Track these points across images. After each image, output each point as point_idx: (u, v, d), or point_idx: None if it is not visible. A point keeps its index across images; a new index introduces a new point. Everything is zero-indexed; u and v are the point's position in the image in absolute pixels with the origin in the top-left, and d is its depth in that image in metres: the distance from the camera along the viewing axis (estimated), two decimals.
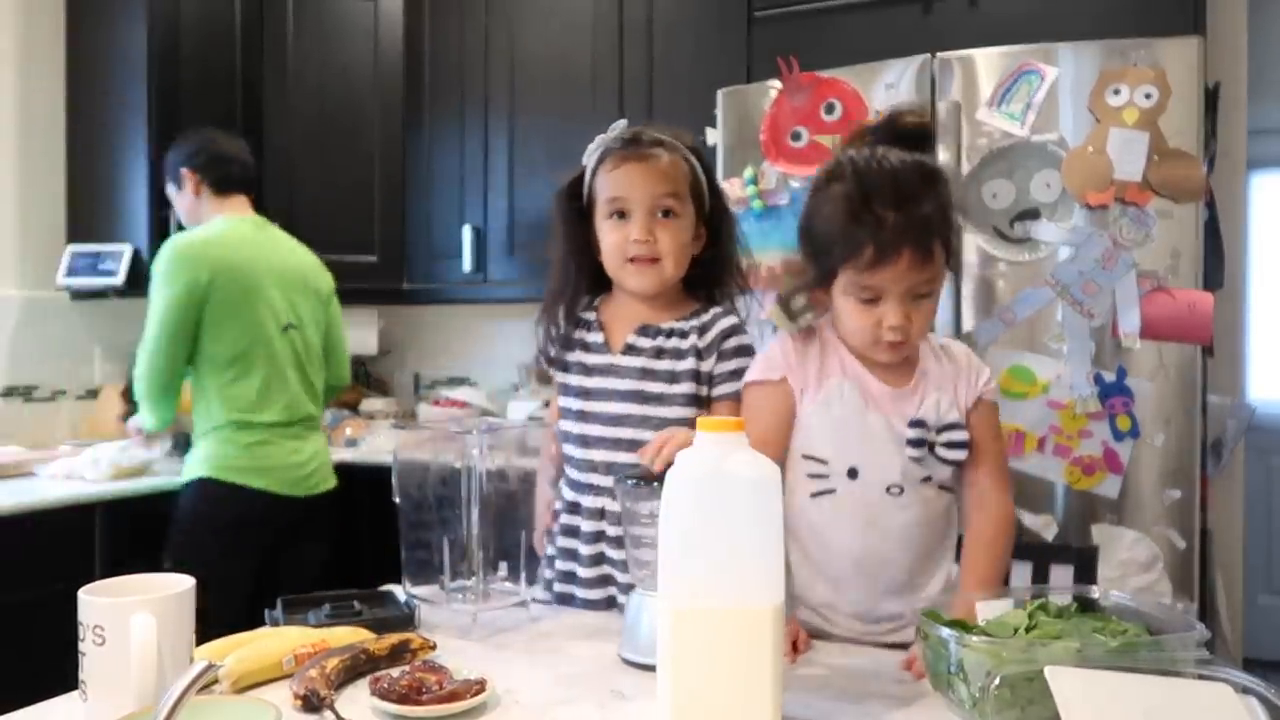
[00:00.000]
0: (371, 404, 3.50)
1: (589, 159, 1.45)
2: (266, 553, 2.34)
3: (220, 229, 2.37)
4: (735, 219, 1.51)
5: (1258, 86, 2.66)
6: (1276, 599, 3.85)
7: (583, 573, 1.43)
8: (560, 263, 1.49)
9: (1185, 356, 1.89)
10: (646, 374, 1.41)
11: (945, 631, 0.90)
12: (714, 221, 1.46)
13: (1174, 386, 1.89)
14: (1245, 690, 0.81)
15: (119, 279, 2.82)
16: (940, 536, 1.28)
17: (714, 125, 2.34)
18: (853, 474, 1.23)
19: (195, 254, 2.28)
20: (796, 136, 2.18)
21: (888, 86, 2.11)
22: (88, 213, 3.01)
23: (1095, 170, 1.91)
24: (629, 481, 1.12)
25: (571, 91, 3.00)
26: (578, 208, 1.46)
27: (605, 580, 1.42)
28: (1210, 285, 1.93)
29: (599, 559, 1.42)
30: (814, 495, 1.24)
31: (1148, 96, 1.89)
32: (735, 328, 1.43)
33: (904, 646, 1.16)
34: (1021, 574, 1.54)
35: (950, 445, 1.23)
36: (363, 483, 2.62)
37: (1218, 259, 2.10)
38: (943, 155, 2.02)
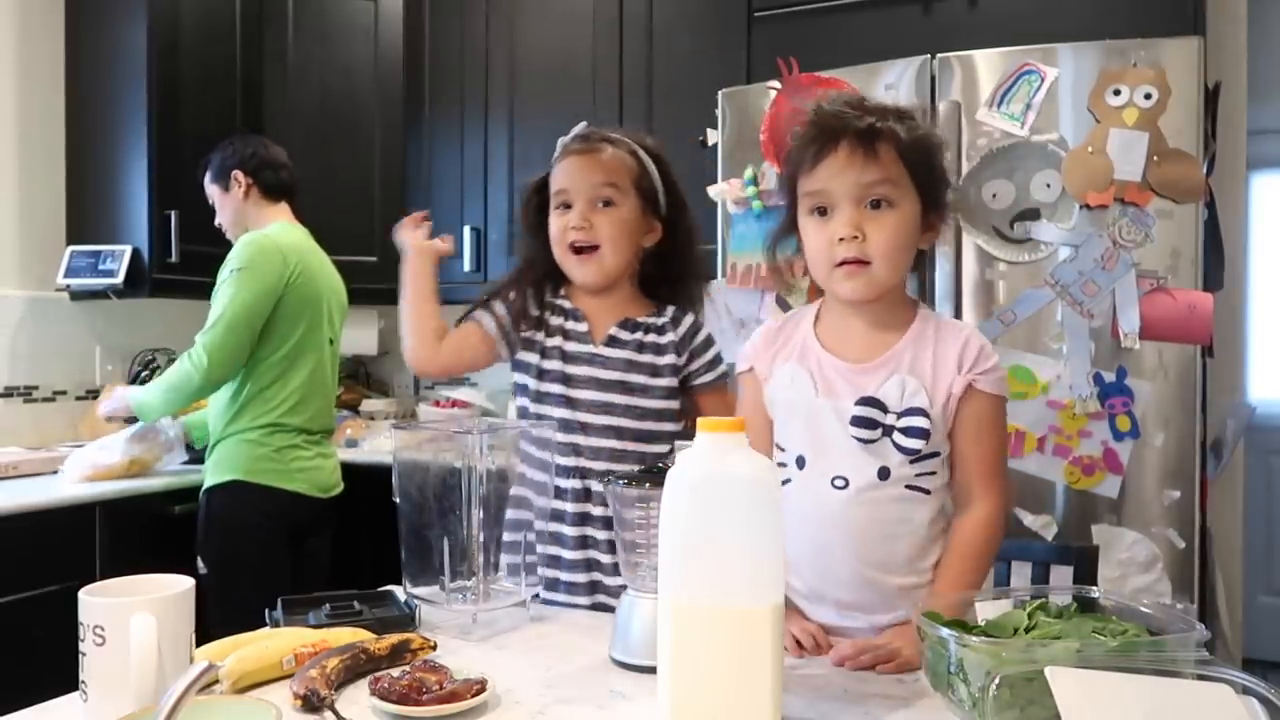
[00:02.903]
0: (371, 404, 3.50)
1: (554, 160, 1.52)
2: (299, 549, 2.38)
3: (289, 233, 2.42)
4: (696, 224, 1.55)
5: (1258, 86, 2.66)
6: (1276, 599, 3.85)
7: (568, 555, 1.44)
8: (525, 258, 1.56)
9: (1185, 356, 1.89)
10: (631, 366, 1.46)
11: (945, 631, 0.90)
12: (671, 221, 1.50)
13: (1174, 386, 1.89)
14: (1245, 690, 0.81)
15: (119, 279, 2.82)
16: (908, 546, 1.17)
17: (714, 125, 2.34)
18: (800, 463, 1.20)
19: (281, 252, 2.33)
20: (797, 137, 2.18)
21: (888, 87, 2.11)
22: (88, 213, 3.01)
23: (1095, 170, 1.91)
24: (619, 482, 1.12)
25: (572, 92, 3.00)
26: (539, 204, 1.53)
27: (590, 564, 1.44)
28: (1210, 286, 1.93)
29: (584, 542, 1.44)
30: (783, 483, 1.22)
31: (1148, 97, 1.89)
32: (699, 322, 1.52)
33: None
34: (1021, 574, 1.54)
35: (907, 432, 1.14)
36: (363, 483, 2.62)
37: (1218, 259, 2.10)
38: None
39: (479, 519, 1.24)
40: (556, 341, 1.49)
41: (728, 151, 2.30)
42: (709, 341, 1.51)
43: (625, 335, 1.48)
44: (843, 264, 1.15)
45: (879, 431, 1.15)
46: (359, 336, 3.46)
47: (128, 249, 2.85)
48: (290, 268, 2.33)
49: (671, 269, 1.52)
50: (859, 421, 1.15)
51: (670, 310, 1.51)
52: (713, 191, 2.30)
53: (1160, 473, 1.89)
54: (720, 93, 2.33)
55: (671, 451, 1.46)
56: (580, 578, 1.43)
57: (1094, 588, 1.07)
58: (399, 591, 1.28)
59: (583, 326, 1.49)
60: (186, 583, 0.92)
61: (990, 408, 1.17)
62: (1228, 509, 2.55)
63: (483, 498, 1.23)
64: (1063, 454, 1.93)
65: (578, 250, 1.46)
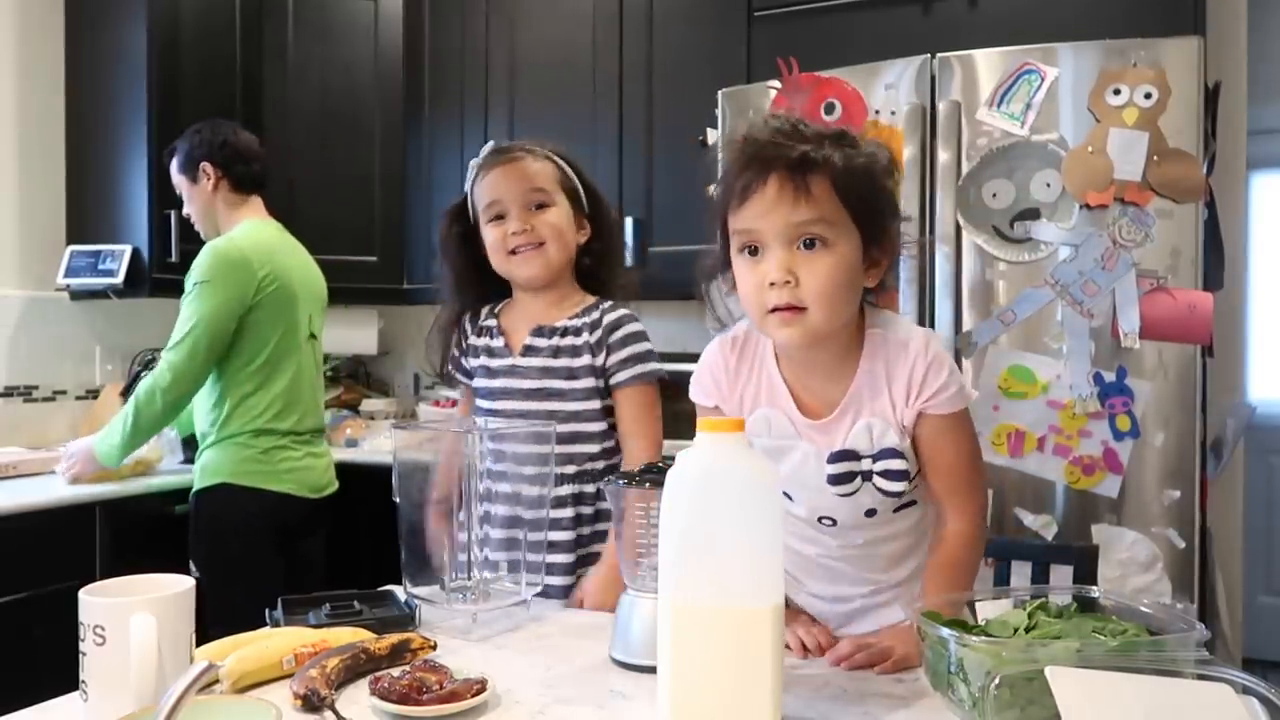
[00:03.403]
0: (371, 404, 3.50)
1: (468, 181, 1.58)
2: (292, 550, 2.35)
3: (258, 234, 2.35)
4: (616, 218, 1.64)
5: (1258, 86, 2.66)
6: (1276, 599, 3.85)
7: (494, 557, 1.43)
8: (452, 285, 1.62)
9: (1185, 356, 1.89)
10: (547, 372, 1.52)
11: (945, 631, 0.90)
12: (596, 218, 1.59)
13: (1174, 386, 1.89)
14: (1245, 690, 0.81)
15: (119, 279, 2.82)
16: (902, 548, 1.22)
17: (714, 125, 2.34)
18: (788, 496, 1.19)
19: (245, 260, 2.25)
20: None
21: (888, 87, 2.11)
22: (88, 213, 3.01)
23: (1095, 170, 1.91)
24: (619, 482, 1.12)
25: (572, 92, 3.00)
26: (462, 231, 1.59)
27: (516, 565, 1.42)
28: (1210, 285, 1.93)
29: (512, 543, 1.43)
30: None
31: (1148, 96, 1.89)
32: (621, 318, 1.54)
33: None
34: (1021, 574, 1.54)
35: (887, 475, 1.12)
36: (362, 483, 2.62)
37: (1218, 259, 2.10)
38: (943, 155, 2.02)
39: (479, 519, 1.24)
40: (480, 361, 1.58)
41: None
42: (630, 338, 1.53)
43: (540, 342, 1.54)
44: (775, 310, 1.06)
45: (858, 480, 1.14)
46: (359, 336, 3.46)
47: (128, 249, 2.85)
48: (260, 276, 2.26)
49: (603, 262, 1.60)
50: (836, 479, 1.14)
51: (600, 309, 1.54)
52: (713, 191, 2.29)
53: (1160, 473, 1.89)
54: (720, 92, 2.33)
55: (602, 453, 1.53)
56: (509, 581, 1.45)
57: (1094, 588, 1.07)
58: (399, 591, 1.28)
59: (500, 341, 1.57)
60: (186, 583, 0.92)
61: (946, 425, 1.13)
62: (1228, 509, 2.55)
63: (482, 498, 1.23)
64: (1063, 454, 1.93)
65: (517, 251, 1.51)
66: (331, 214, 3.21)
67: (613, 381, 1.53)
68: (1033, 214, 1.96)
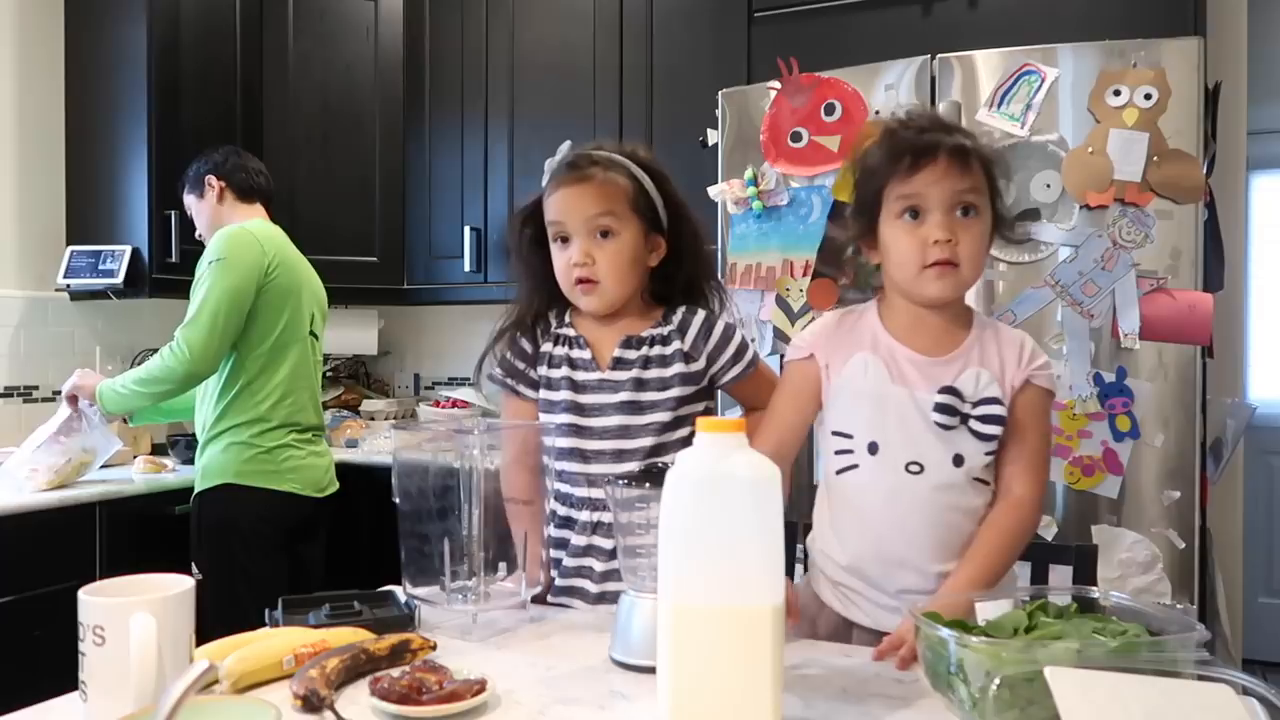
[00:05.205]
0: (371, 404, 3.50)
1: (545, 182, 1.47)
2: (294, 550, 2.36)
3: (265, 226, 2.42)
4: (700, 227, 1.49)
5: (1258, 86, 2.66)
6: (1276, 599, 3.85)
7: (560, 582, 1.43)
8: (520, 286, 1.52)
9: (1185, 357, 1.89)
10: (639, 385, 1.42)
11: (945, 631, 0.90)
12: (674, 232, 1.45)
13: (1174, 387, 1.89)
14: (1245, 690, 0.81)
15: (119, 279, 2.82)
16: (968, 534, 1.23)
17: (714, 125, 2.35)
18: (873, 449, 1.25)
19: (258, 241, 2.32)
20: (797, 137, 2.19)
21: (888, 87, 2.11)
22: (88, 213, 3.01)
23: (1095, 171, 1.91)
24: (620, 482, 1.12)
25: (572, 92, 3.00)
26: (534, 234, 1.47)
27: (572, 590, 1.43)
28: (1210, 286, 1.93)
29: (579, 571, 1.42)
30: (839, 471, 1.28)
31: (1148, 97, 1.89)
32: (710, 317, 1.46)
33: None
34: (1021, 574, 1.54)
35: (985, 419, 1.21)
36: (363, 483, 2.62)
37: (1218, 259, 2.10)
38: None
39: (479, 519, 1.24)
40: (563, 372, 1.45)
41: (728, 151, 2.30)
42: (727, 335, 1.45)
43: (630, 354, 1.43)
44: (935, 265, 1.21)
45: (958, 419, 1.22)
46: (359, 336, 3.47)
47: (128, 249, 2.85)
48: (269, 257, 2.32)
49: (679, 280, 1.48)
50: (942, 409, 1.22)
51: (678, 315, 1.45)
52: (713, 192, 2.30)
53: (1160, 473, 1.90)
54: (720, 93, 2.33)
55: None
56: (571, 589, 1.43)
57: (1094, 588, 1.07)
58: (399, 591, 1.28)
59: (587, 354, 1.44)
60: (186, 583, 0.92)
61: (1040, 400, 1.25)
62: (1228, 509, 2.55)
63: (483, 498, 1.23)
64: (1063, 454, 1.93)
65: (582, 281, 1.41)
66: (331, 214, 3.21)
67: (726, 379, 1.45)
68: (1033, 214, 1.96)
